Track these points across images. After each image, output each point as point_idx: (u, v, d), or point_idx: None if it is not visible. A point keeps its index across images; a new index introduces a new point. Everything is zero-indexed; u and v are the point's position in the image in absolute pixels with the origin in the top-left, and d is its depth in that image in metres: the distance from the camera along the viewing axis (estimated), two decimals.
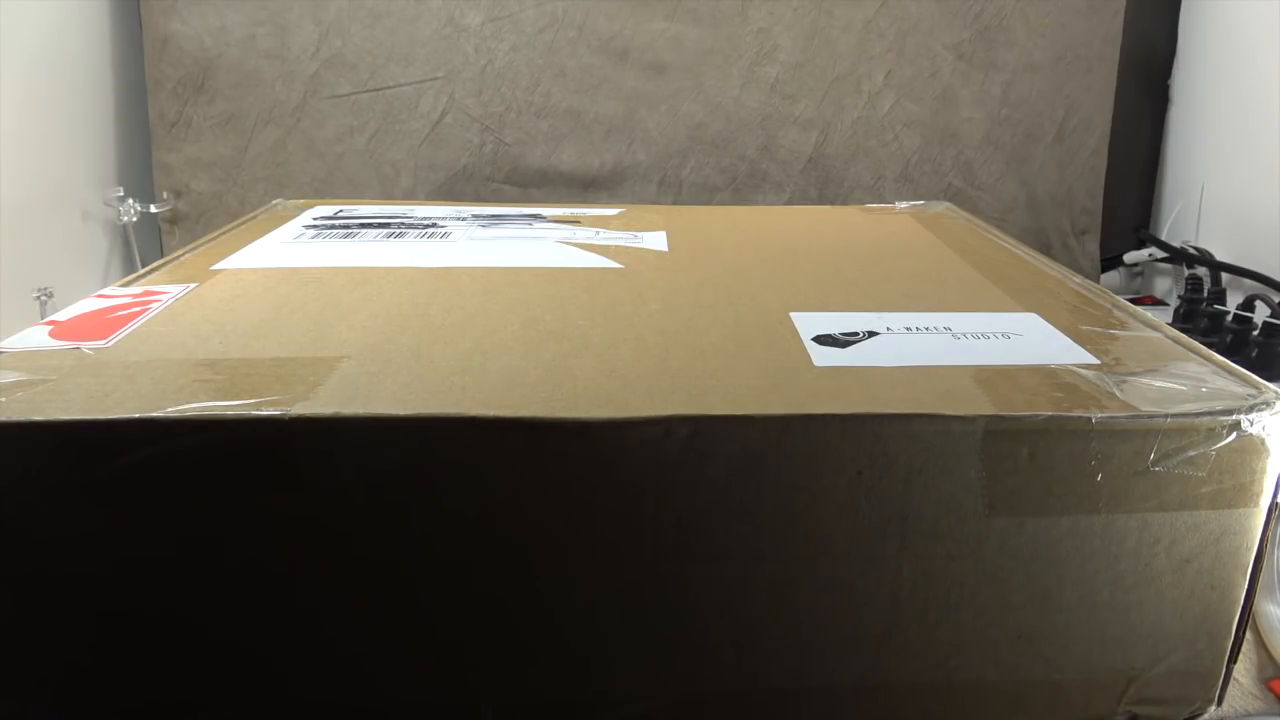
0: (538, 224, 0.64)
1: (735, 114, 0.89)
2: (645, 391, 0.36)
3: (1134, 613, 0.37)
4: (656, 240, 0.59)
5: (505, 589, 0.36)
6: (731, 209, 0.78)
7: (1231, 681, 0.41)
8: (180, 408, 0.33)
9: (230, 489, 0.34)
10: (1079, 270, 0.90)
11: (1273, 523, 0.37)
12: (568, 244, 0.58)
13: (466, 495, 0.34)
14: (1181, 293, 0.83)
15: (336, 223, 0.63)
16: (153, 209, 0.84)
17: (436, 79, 0.86)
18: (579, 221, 0.65)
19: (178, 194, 0.85)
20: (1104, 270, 0.99)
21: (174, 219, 0.86)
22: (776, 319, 0.44)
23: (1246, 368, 0.39)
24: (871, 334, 0.42)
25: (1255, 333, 0.73)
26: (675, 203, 0.90)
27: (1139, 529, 0.36)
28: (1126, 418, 0.35)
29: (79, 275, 0.78)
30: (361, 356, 0.38)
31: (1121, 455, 0.35)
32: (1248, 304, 0.76)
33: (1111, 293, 0.50)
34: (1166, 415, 0.35)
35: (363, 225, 0.62)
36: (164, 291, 0.47)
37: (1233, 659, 0.40)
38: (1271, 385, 0.37)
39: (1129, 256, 0.98)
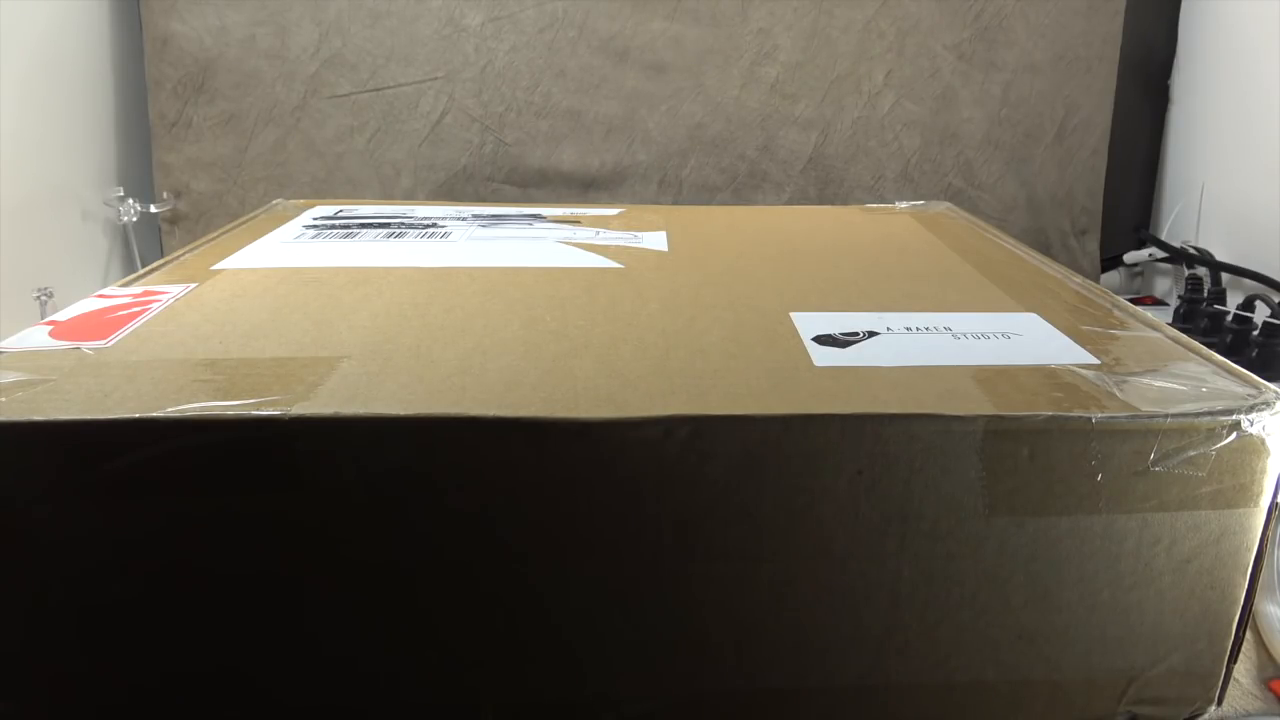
0: (538, 224, 0.64)
1: (735, 114, 0.89)
2: (645, 391, 0.36)
3: (1134, 613, 0.37)
4: (656, 240, 0.59)
5: (505, 589, 0.36)
6: (731, 209, 0.78)
7: (1231, 681, 0.41)
8: (180, 408, 0.33)
9: (230, 489, 0.34)
10: (1079, 270, 0.90)
11: (1273, 523, 0.37)
12: (568, 244, 0.58)
13: (466, 495, 0.34)
14: (1181, 293, 0.83)
15: (336, 223, 0.63)
16: (153, 209, 0.84)
17: (436, 79, 0.86)
18: (579, 221, 0.65)
19: (178, 194, 0.85)
20: (1104, 270, 0.99)
21: (174, 219, 0.86)
22: (776, 319, 0.44)
23: (1246, 368, 0.39)
24: (871, 334, 0.42)
25: (1255, 333, 0.73)
26: (675, 203, 0.90)
27: (1139, 529, 0.36)
28: (1126, 418, 0.35)
29: (79, 275, 0.78)
30: (361, 356, 0.38)
31: (1121, 455, 0.35)
32: (1248, 304, 0.76)
33: (1111, 293, 0.50)
34: (1166, 415, 0.35)
35: (363, 225, 0.62)
36: (164, 291, 0.47)
37: (1233, 659, 0.40)
38: (1271, 385, 0.37)
39: (1129, 256, 0.98)
